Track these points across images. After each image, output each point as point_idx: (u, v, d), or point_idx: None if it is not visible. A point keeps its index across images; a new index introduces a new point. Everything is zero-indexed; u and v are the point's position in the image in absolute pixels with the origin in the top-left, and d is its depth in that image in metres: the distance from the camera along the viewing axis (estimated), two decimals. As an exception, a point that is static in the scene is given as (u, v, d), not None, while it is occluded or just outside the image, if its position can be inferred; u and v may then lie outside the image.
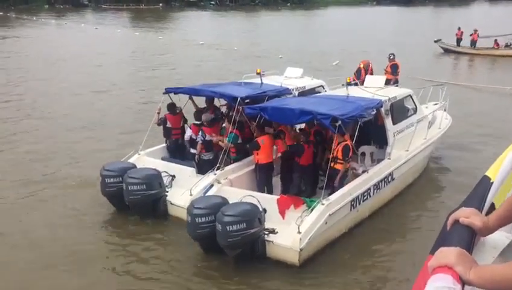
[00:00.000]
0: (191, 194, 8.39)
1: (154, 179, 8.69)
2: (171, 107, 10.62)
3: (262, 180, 8.97)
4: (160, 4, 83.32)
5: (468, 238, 1.46)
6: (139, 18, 61.24)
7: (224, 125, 10.23)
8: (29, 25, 49.68)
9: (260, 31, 48.82)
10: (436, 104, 12.78)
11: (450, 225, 1.53)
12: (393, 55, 16.71)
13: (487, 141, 12.85)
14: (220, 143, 9.40)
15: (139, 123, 13.35)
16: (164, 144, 10.75)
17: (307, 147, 8.85)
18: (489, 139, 13.08)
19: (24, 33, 41.30)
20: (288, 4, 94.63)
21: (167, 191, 8.96)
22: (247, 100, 9.70)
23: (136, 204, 8.65)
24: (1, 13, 62.68)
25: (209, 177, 8.75)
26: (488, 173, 1.81)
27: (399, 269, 7.34)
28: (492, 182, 1.74)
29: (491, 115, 16.01)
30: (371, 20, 59.98)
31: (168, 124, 10.53)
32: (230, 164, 9.30)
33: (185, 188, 8.69)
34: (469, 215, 1.51)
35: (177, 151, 10.61)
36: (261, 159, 8.88)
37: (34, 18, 56.34)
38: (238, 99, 9.24)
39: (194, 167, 9.52)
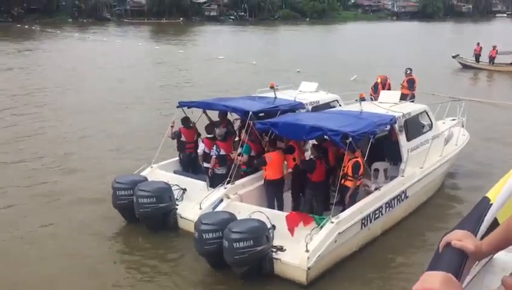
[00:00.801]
0: (200, 208, 8.35)
1: (164, 192, 8.70)
2: (185, 121, 10.65)
3: (271, 196, 8.87)
4: (181, 18, 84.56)
5: (458, 263, 1.39)
6: (160, 32, 62.18)
7: (236, 139, 10.21)
8: (53, 38, 50.82)
9: (279, 46, 49.04)
10: (453, 119, 12.56)
11: (442, 248, 1.46)
12: (410, 70, 16.46)
13: (506, 159, 12.55)
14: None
15: (155, 136, 13.41)
16: (177, 158, 10.75)
17: (319, 163, 8.70)
18: (508, 156, 12.77)
19: (48, 46, 42.23)
20: (307, 19, 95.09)
21: (177, 205, 8.94)
22: (260, 114, 9.67)
23: (146, 217, 8.67)
24: (26, 26, 64.33)
25: (219, 191, 8.69)
26: (488, 194, 1.75)
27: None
28: (491, 204, 1.68)
29: (510, 132, 15.66)
30: (390, 35, 59.74)
31: (182, 138, 10.51)
32: (241, 176, 9.22)
33: (195, 201, 8.64)
34: (461, 238, 1.44)
35: (190, 165, 10.59)
36: (269, 175, 8.79)
37: (58, 31, 57.63)
38: (250, 113, 9.23)
39: (206, 181, 9.48)
